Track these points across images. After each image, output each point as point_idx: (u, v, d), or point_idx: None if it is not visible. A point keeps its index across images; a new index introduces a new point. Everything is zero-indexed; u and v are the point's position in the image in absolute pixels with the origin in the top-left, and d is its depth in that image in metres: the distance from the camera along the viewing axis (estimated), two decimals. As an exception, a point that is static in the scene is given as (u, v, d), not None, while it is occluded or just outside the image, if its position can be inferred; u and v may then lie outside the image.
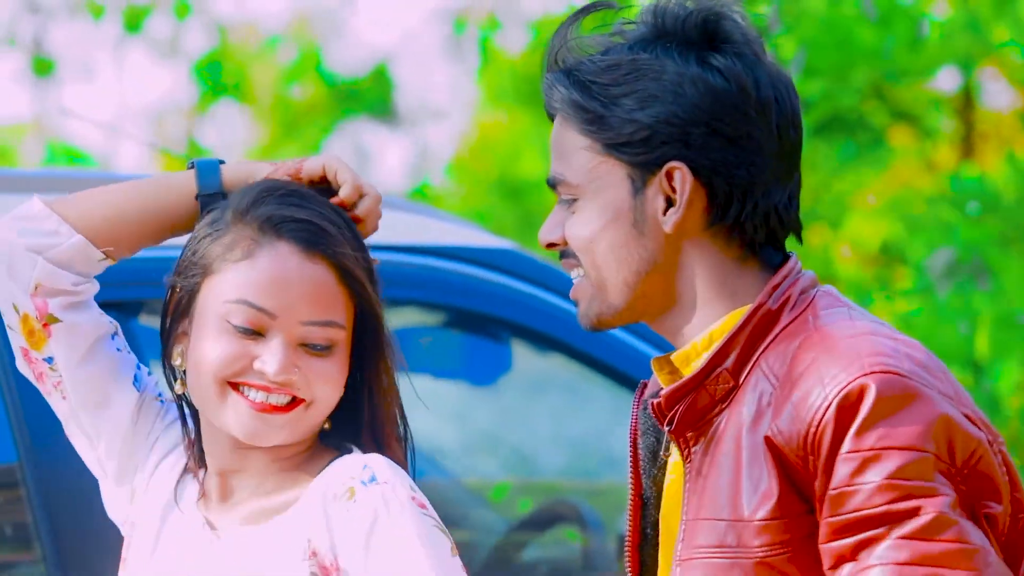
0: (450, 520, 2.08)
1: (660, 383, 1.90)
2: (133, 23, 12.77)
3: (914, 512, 1.72)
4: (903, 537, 1.73)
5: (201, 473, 1.92)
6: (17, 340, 1.93)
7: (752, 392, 1.82)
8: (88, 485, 2.03)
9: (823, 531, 1.77)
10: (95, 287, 1.94)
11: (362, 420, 1.91)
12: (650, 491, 1.93)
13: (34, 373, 1.94)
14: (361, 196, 1.93)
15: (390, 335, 1.94)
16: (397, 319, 3.46)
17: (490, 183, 12.94)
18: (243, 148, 14.11)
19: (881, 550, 1.73)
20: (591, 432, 6.15)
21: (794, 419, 1.77)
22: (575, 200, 1.86)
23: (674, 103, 1.82)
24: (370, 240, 1.97)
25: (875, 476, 1.74)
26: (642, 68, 1.83)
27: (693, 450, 1.85)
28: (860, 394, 1.73)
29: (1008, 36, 7.25)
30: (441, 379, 4.78)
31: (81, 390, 1.93)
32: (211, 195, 1.92)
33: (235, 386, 1.85)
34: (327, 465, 1.87)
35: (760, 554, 1.79)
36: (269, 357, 1.84)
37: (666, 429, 1.85)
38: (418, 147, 14.89)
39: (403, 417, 1.95)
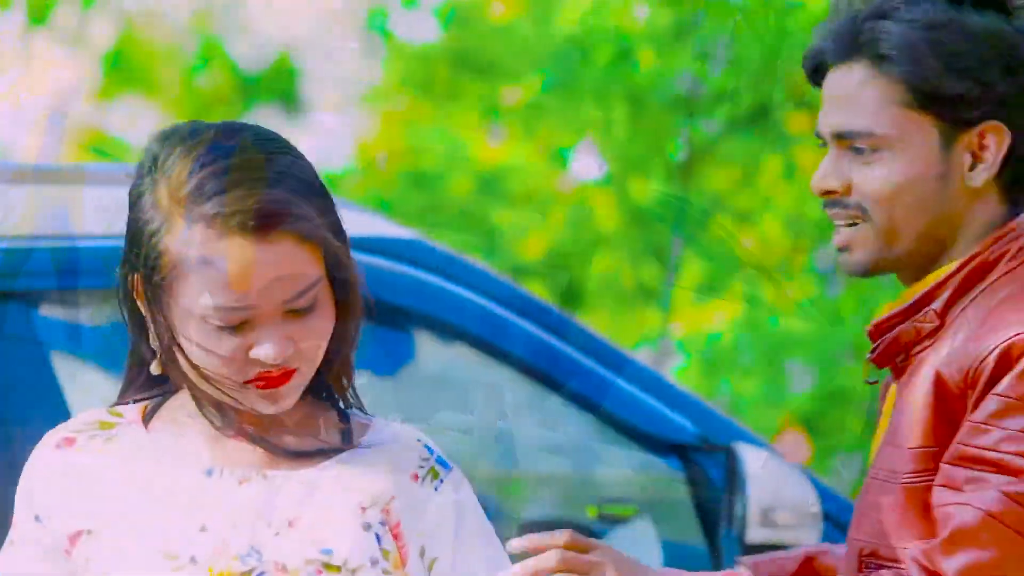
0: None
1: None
2: (39, 15, 12.68)
3: None
4: (1007, 493, 1.81)
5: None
6: None
7: (952, 335, 1.91)
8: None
9: (949, 450, 1.86)
10: None
11: (328, 366, 1.93)
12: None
13: None
14: None
15: (357, 280, 1.92)
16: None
17: (394, 173, 12.90)
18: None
19: (984, 493, 1.81)
20: (496, 422, 6.27)
21: (965, 355, 1.86)
22: (875, 151, 1.92)
23: (996, 64, 1.90)
24: None
25: (1013, 423, 1.83)
26: (970, 29, 1.90)
27: (900, 383, 1.96)
28: None
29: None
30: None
31: None
32: None
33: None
34: (340, 419, 1.96)
35: (905, 480, 1.89)
36: (265, 346, 1.86)
37: (868, 356, 1.98)
38: (322, 137, 14.85)
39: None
